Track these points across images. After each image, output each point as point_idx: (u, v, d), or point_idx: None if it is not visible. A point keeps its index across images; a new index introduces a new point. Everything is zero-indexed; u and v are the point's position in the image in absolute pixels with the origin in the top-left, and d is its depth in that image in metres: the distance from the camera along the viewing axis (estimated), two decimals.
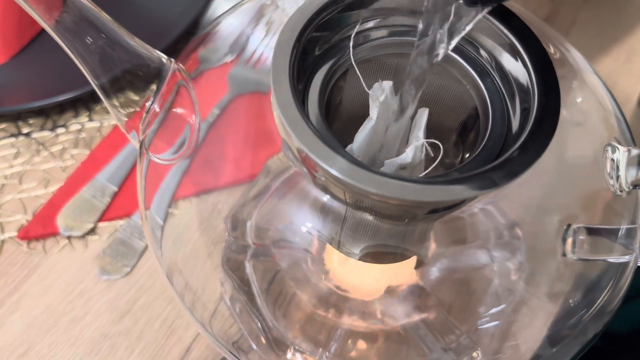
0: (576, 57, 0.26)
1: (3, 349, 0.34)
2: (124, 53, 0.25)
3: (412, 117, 0.24)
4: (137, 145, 0.27)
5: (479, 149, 0.21)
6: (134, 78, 0.26)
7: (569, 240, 0.25)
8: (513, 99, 0.22)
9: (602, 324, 0.25)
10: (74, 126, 0.42)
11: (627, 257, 0.25)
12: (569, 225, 0.25)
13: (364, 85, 0.22)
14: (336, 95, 0.25)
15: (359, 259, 0.24)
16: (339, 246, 0.24)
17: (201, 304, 0.26)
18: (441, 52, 0.20)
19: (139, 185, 0.29)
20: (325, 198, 0.21)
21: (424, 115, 0.23)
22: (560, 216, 0.25)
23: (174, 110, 0.27)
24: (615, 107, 0.25)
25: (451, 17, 0.19)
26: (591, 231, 0.25)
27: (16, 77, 0.43)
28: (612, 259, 0.25)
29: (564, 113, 0.21)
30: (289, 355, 0.26)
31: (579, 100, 0.25)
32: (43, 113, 0.42)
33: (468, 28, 0.19)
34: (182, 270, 0.26)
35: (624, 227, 0.25)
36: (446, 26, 0.19)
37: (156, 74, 0.26)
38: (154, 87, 0.26)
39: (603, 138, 0.24)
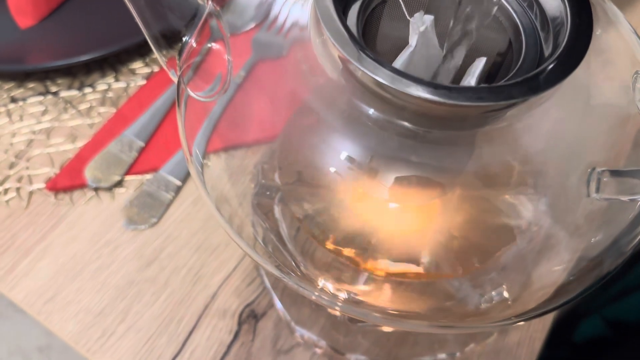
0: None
1: (30, 294, 0.35)
2: None
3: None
4: (176, 81, 0.28)
5: (514, 71, 0.22)
6: (173, 15, 0.27)
7: (593, 182, 0.25)
8: (546, 30, 0.23)
9: (619, 261, 0.26)
10: (101, 86, 0.43)
11: None
12: (593, 169, 0.25)
13: (405, 13, 0.23)
14: (373, 26, 0.25)
15: (390, 189, 0.25)
16: (369, 173, 0.24)
17: (245, 234, 0.27)
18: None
19: (180, 125, 0.29)
20: (371, 110, 0.21)
21: (480, 64, 0.24)
22: (588, 154, 0.26)
23: (209, 45, 0.27)
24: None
25: None
26: (614, 173, 0.26)
27: (44, 39, 0.44)
28: (633, 198, 0.26)
29: (591, 46, 0.22)
30: (320, 283, 0.27)
31: (606, 36, 0.26)
32: (70, 73, 0.43)
33: None
34: (229, 200, 0.27)
35: None
36: None
37: (193, 12, 0.27)
38: (192, 23, 0.27)
39: (631, 72, 0.25)
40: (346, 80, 0.22)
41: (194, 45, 0.27)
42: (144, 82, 0.43)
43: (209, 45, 0.28)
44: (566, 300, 0.25)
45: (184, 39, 0.27)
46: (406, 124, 0.22)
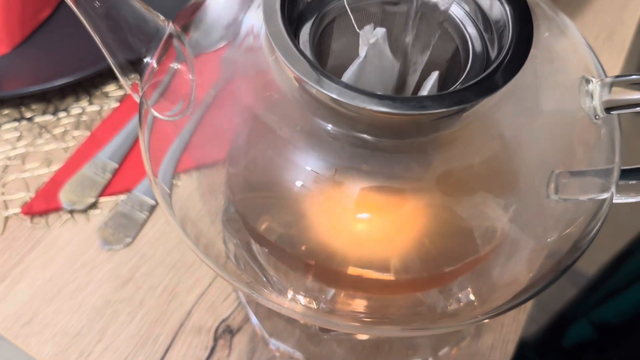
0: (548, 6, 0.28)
1: (8, 318, 0.35)
2: (128, 13, 0.26)
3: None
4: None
5: (462, 77, 0.23)
6: (135, 37, 0.27)
7: (552, 184, 0.26)
8: (489, 32, 0.24)
9: (576, 256, 0.27)
10: (75, 110, 0.43)
11: (605, 194, 0.26)
12: (552, 171, 0.26)
13: (355, 25, 0.24)
14: (326, 43, 0.26)
15: (351, 200, 0.25)
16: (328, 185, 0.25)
17: (215, 252, 0.27)
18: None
19: (142, 147, 0.30)
20: (329, 126, 0.22)
21: (432, 78, 0.25)
22: (544, 157, 0.27)
23: (172, 65, 0.28)
24: (589, 50, 0.27)
25: None
26: (572, 174, 0.26)
27: (18, 66, 0.44)
28: (591, 197, 0.27)
29: (539, 54, 0.23)
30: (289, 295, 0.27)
31: (556, 45, 0.26)
32: (45, 99, 0.44)
33: None
34: (195, 222, 0.27)
35: (601, 167, 0.27)
36: None
37: (154, 34, 0.28)
38: (152, 44, 0.28)
39: (578, 75, 0.26)
40: (300, 95, 0.23)
41: (155, 66, 0.28)
42: (117, 104, 0.43)
43: (172, 65, 0.28)
44: (529, 295, 0.25)
45: (145, 60, 0.28)
46: (361, 135, 0.22)
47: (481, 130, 0.24)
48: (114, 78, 0.45)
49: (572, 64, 0.26)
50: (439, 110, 0.20)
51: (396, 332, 0.29)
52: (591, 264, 0.79)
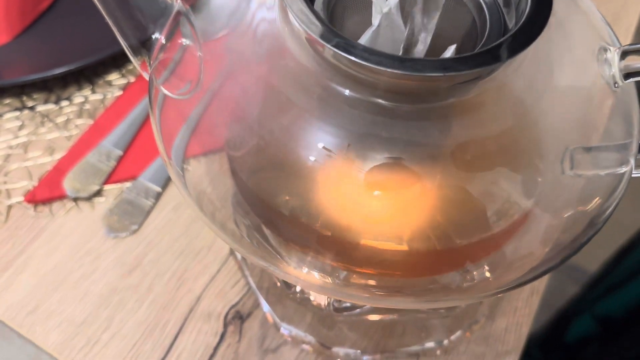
0: None
1: (12, 307, 0.34)
2: None
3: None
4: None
5: (480, 45, 0.22)
6: (143, 14, 0.27)
7: (567, 160, 0.26)
8: (508, 4, 0.24)
9: (591, 233, 0.26)
10: (78, 99, 0.42)
11: (624, 167, 0.26)
12: (567, 148, 0.26)
13: None
14: (339, 15, 0.26)
15: (368, 172, 0.25)
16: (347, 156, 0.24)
17: (231, 229, 0.27)
18: None
19: (154, 126, 0.29)
20: (347, 91, 0.22)
21: (449, 52, 0.24)
22: (561, 130, 0.26)
23: (179, 42, 0.28)
24: (603, 20, 0.27)
25: None
26: (587, 150, 0.26)
27: (19, 54, 0.44)
28: (609, 172, 0.26)
29: (554, 22, 0.23)
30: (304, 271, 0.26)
31: (568, 12, 0.26)
32: (46, 88, 0.43)
33: None
34: (211, 200, 0.27)
35: (619, 142, 0.27)
36: None
37: (163, 10, 0.27)
38: (161, 21, 0.27)
39: (594, 46, 0.25)
40: (317, 63, 0.23)
41: (164, 41, 0.27)
42: (120, 92, 0.43)
43: (181, 41, 0.28)
44: (545, 270, 0.25)
45: (153, 37, 0.27)
46: (380, 100, 0.22)
47: (500, 97, 0.23)
48: (116, 67, 0.44)
49: (587, 34, 0.26)
50: (463, 73, 0.20)
51: (411, 304, 0.28)
52: (592, 260, 0.79)
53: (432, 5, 0.23)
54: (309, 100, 0.23)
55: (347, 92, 0.22)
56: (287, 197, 0.25)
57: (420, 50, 0.25)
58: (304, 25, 0.21)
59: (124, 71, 0.44)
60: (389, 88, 0.21)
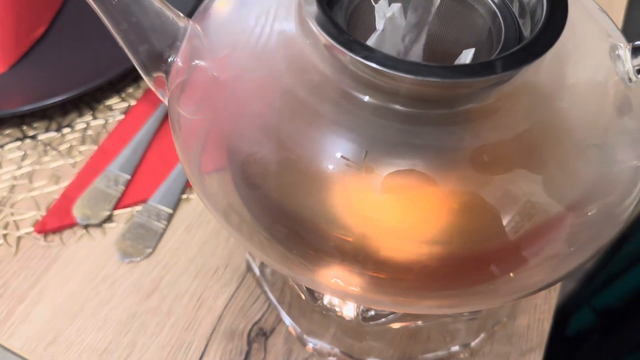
0: None
1: (30, 339, 0.34)
2: (149, 12, 0.26)
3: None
4: (166, 102, 0.28)
5: (496, 53, 0.23)
6: (157, 36, 0.27)
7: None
8: (524, 15, 0.24)
9: (615, 231, 0.27)
10: (79, 125, 0.42)
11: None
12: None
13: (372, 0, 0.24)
14: (353, 24, 0.26)
15: (386, 178, 0.25)
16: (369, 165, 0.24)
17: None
18: None
19: (178, 149, 0.29)
20: (366, 98, 0.22)
21: (468, 56, 0.25)
22: (582, 129, 0.27)
23: (194, 63, 0.28)
24: (607, 17, 0.27)
25: None
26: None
27: (16, 84, 0.43)
28: None
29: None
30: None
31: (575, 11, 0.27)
32: (46, 116, 0.43)
33: None
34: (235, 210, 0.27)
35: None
36: None
37: (176, 32, 0.27)
38: (176, 44, 0.27)
39: (604, 45, 0.26)
40: (339, 72, 0.23)
41: (180, 64, 0.27)
42: (122, 116, 0.43)
43: (194, 63, 0.28)
44: (568, 271, 0.25)
45: (169, 60, 0.27)
46: (399, 107, 0.22)
47: (522, 100, 0.24)
48: (115, 91, 0.44)
49: (597, 33, 0.26)
50: (493, 77, 0.20)
51: (436, 310, 0.28)
52: None
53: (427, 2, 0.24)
54: (333, 110, 0.23)
55: (371, 100, 0.22)
56: (315, 206, 0.25)
57: (418, 48, 0.26)
58: (326, 35, 0.21)
59: (123, 95, 0.44)
60: (409, 94, 0.22)
